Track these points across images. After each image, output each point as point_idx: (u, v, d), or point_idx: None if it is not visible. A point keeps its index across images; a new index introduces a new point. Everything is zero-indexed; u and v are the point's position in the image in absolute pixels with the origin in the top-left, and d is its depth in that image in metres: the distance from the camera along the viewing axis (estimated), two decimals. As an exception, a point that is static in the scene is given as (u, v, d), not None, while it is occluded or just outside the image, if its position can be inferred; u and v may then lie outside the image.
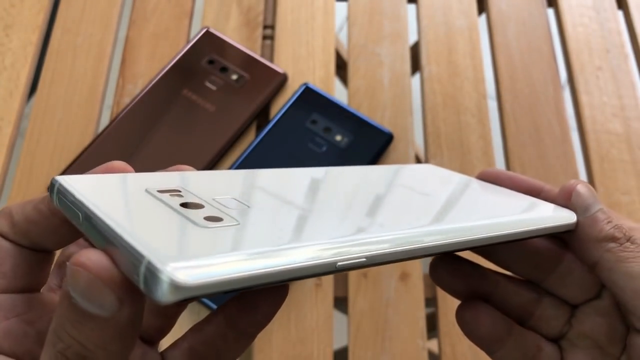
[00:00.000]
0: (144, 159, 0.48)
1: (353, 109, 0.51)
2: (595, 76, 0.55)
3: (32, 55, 0.53)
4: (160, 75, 0.51)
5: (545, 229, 0.23)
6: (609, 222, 0.24)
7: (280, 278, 0.15)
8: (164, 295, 0.14)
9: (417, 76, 0.56)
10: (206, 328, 0.23)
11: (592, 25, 0.58)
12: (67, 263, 0.16)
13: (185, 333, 0.23)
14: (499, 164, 0.51)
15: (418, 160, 0.53)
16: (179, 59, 0.52)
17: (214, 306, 0.42)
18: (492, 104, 0.53)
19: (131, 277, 0.15)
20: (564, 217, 0.24)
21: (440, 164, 0.50)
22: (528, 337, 0.27)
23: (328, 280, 0.45)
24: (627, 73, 0.55)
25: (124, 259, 0.15)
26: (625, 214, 0.48)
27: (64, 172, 0.47)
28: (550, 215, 0.24)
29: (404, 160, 0.50)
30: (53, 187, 0.19)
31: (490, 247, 0.25)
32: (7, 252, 0.21)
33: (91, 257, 0.16)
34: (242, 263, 0.15)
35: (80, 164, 0.47)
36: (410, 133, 0.51)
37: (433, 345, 0.47)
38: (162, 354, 0.24)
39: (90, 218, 0.17)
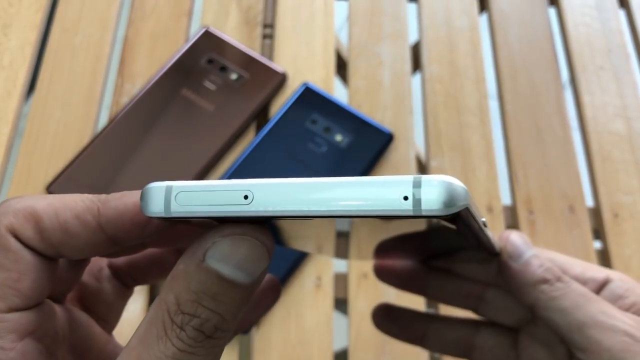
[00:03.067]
0: (143, 159, 0.47)
1: (353, 108, 0.51)
2: (597, 76, 0.55)
3: (31, 54, 0.52)
4: (159, 74, 0.51)
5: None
6: (540, 266, 0.27)
7: None
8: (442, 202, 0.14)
9: (418, 76, 0.55)
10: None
11: (594, 25, 0.57)
12: (224, 234, 0.17)
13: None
14: (500, 165, 0.50)
15: (419, 161, 0.52)
16: (178, 59, 0.52)
17: None
18: (494, 104, 0.52)
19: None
20: None
21: (441, 164, 0.50)
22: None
23: (328, 282, 0.45)
24: (629, 73, 0.55)
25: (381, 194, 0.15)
26: (627, 215, 0.48)
27: (63, 172, 0.46)
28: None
29: (404, 161, 0.50)
30: (170, 192, 0.17)
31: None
32: (28, 266, 0.18)
33: (259, 230, 0.17)
34: None
35: (79, 164, 0.47)
36: (410, 133, 0.51)
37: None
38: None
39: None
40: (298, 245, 0.28)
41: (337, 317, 0.44)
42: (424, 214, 0.14)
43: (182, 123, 0.49)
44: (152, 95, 0.50)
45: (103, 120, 0.50)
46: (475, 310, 0.31)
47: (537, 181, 0.50)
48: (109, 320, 0.23)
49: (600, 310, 0.25)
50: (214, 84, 0.51)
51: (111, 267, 0.23)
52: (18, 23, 0.54)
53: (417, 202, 0.14)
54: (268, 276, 0.24)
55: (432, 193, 0.14)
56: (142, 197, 0.17)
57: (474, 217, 0.17)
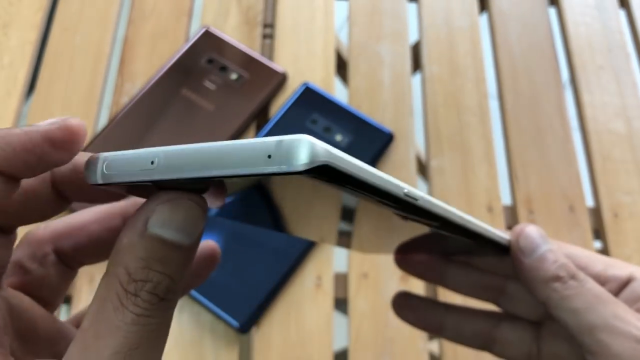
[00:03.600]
0: (143, 159, 0.47)
1: (353, 108, 0.51)
2: (597, 76, 0.55)
3: (31, 54, 0.52)
4: (160, 74, 0.51)
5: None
6: (554, 262, 0.26)
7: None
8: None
9: (418, 76, 0.55)
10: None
11: (594, 25, 0.57)
12: (162, 200, 0.18)
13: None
14: (501, 164, 0.50)
15: (419, 160, 0.52)
16: (178, 58, 0.52)
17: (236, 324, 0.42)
18: (494, 104, 0.52)
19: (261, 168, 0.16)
20: None
21: (442, 164, 0.50)
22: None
23: (328, 281, 0.45)
24: (629, 72, 0.55)
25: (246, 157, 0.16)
26: (627, 215, 0.48)
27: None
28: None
29: (404, 160, 0.50)
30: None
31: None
32: None
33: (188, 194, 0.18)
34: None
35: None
36: (410, 133, 0.51)
37: (434, 346, 0.46)
38: None
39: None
40: (301, 230, 0.27)
41: (337, 316, 0.44)
42: (284, 170, 0.15)
43: (182, 123, 0.49)
44: (152, 95, 0.50)
45: (103, 120, 0.50)
46: (495, 302, 0.30)
47: (537, 181, 0.50)
48: (53, 302, 0.23)
49: (614, 313, 0.24)
50: (214, 84, 0.51)
51: (57, 252, 0.23)
52: (18, 22, 0.54)
53: (279, 160, 0.15)
54: (206, 242, 0.25)
55: (293, 151, 0.16)
56: (85, 168, 0.18)
57: (357, 180, 0.17)
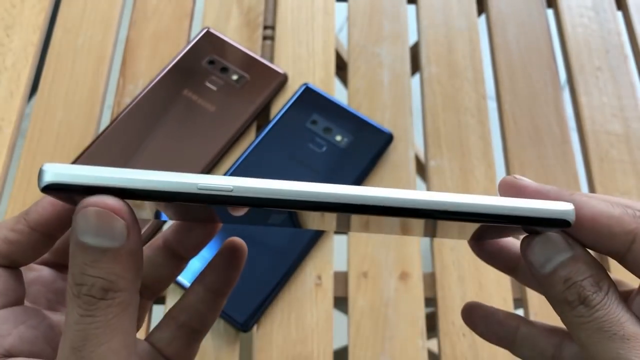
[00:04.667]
0: (145, 159, 0.48)
1: (353, 109, 0.51)
2: (595, 77, 0.55)
3: (33, 55, 0.53)
4: (161, 75, 0.52)
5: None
6: (565, 281, 0.22)
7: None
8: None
9: (417, 77, 0.56)
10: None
11: (592, 26, 0.58)
12: (76, 212, 0.20)
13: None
14: (499, 165, 0.51)
15: (418, 161, 0.53)
16: (180, 59, 0.52)
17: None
18: (492, 105, 0.53)
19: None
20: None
21: (440, 165, 0.50)
22: None
23: (328, 280, 0.45)
24: (627, 73, 0.55)
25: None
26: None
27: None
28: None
29: (404, 161, 0.50)
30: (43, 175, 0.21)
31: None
32: None
33: (97, 198, 0.20)
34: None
35: (81, 164, 0.47)
36: (410, 133, 0.51)
37: (433, 345, 0.47)
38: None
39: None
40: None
41: (337, 315, 0.45)
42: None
43: (183, 123, 0.50)
44: (153, 96, 0.51)
45: (105, 121, 0.51)
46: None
47: (535, 181, 0.50)
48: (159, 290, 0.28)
49: (617, 354, 0.21)
50: (215, 85, 0.51)
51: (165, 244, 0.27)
52: (20, 24, 0.54)
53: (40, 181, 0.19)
54: (229, 240, 0.27)
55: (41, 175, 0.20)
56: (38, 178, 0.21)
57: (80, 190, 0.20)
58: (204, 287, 0.27)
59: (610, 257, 0.23)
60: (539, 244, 0.22)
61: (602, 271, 0.22)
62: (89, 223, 0.19)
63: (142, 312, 0.28)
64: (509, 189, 0.24)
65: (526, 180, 0.24)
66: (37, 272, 0.26)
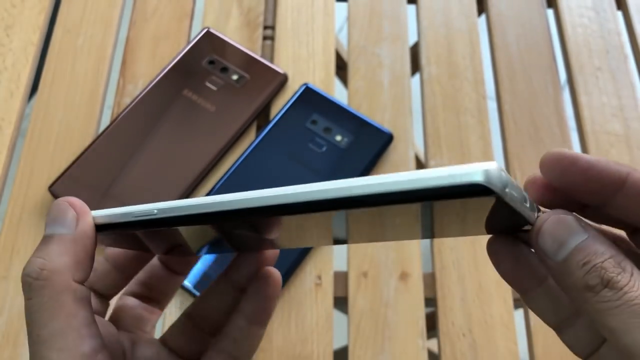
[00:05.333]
0: (145, 160, 0.48)
1: (353, 109, 0.51)
2: (595, 77, 0.55)
3: (33, 55, 0.53)
4: (161, 75, 0.52)
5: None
6: (584, 264, 0.20)
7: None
8: None
9: (417, 77, 0.56)
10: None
11: (592, 26, 0.58)
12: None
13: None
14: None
15: (418, 161, 0.53)
16: (180, 60, 0.53)
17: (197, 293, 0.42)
18: (492, 105, 0.53)
19: None
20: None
21: (440, 164, 0.50)
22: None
23: (328, 280, 0.45)
24: (627, 73, 0.55)
25: None
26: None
27: (65, 173, 0.47)
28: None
29: (404, 161, 0.50)
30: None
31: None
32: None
33: (72, 198, 0.24)
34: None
35: (81, 165, 0.47)
36: (410, 133, 0.51)
37: (433, 345, 0.47)
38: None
39: None
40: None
41: (337, 315, 0.45)
42: None
43: (183, 123, 0.50)
44: (153, 96, 0.51)
45: (105, 121, 0.51)
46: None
47: (535, 181, 0.50)
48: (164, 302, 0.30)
49: None
50: (215, 85, 0.51)
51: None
52: (20, 24, 0.54)
53: None
54: (268, 270, 0.28)
55: None
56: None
57: None
58: (244, 318, 0.27)
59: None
60: (549, 229, 0.20)
61: (620, 252, 0.20)
62: (50, 214, 0.23)
63: (152, 317, 0.29)
64: (554, 166, 0.21)
65: (576, 153, 0.21)
66: (122, 301, 0.29)
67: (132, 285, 0.29)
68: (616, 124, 0.53)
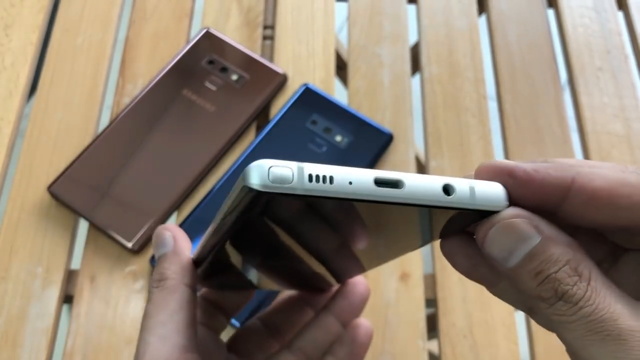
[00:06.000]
0: (144, 160, 0.48)
1: (353, 109, 0.51)
2: (596, 77, 0.55)
3: (32, 55, 0.53)
4: (160, 75, 0.51)
5: None
6: (536, 274, 0.18)
7: None
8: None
9: (418, 77, 0.56)
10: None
11: (593, 26, 0.58)
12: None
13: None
14: (499, 165, 0.51)
15: (418, 161, 0.53)
16: (179, 59, 0.52)
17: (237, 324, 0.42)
18: (493, 105, 0.53)
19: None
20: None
21: (441, 165, 0.50)
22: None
23: (328, 281, 0.45)
24: (628, 74, 0.55)
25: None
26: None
27: (64, 173, 0.47)
28: None
29: (404, 161, 0.50)
30: None
31: None
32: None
33: (167, 224, 0.30)
34: None
35: (80, 165, 0.47)
36: (410, 133, 0.51)
37: (433, 346, 0.47)
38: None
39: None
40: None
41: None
42: None
43: (182, 123, 0.50)
44: (153, 96, 0.51)
45: (104, 121, 0.51)
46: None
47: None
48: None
49: (613, 358, 0.17)
50: (214, 85, 0.51)
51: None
52: (20, 23, 0.54)
53: None
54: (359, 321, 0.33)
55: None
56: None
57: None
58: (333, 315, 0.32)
59: (619, 233, 0.20)
60: (495, 238, 0.19)
61: (579, 252, 0.18)
62: (154, 242, 0.28)
63: (218, 324, 0.32)
64: (495, 176, 0.19)
65: (511, 165, 0.19)
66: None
67: (267, 311, 0.34)
68: (617, 125, 0.53)
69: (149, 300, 0.26)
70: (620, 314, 0.17)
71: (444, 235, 0.22)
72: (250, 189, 0.16)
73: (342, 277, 0.31)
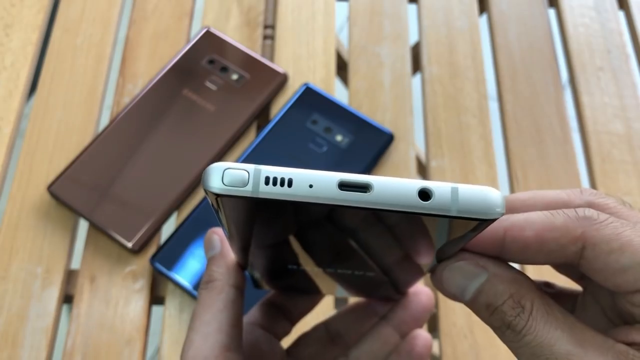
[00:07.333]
0: (144, 159, 0.48)
1: (354, 109, 0.51)
2: (597, 77, 0.55)
3: (32, 55, 0.53)
4: (161, 75, 0.51)
5: None
6: (487, 307, 0.20)
7: None
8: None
9: (418, 76, 0.56)
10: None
11: (593, 26, 0.58)
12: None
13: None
14: (500, 165, 0.51)
15: (419, 161, 0.53)
16: (179, 59, 0.52)
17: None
18: (493, 105, 0.52)
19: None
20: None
21: (441, 165, 0.50)
22: None
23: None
24: (628, 73, 0.55)
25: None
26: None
27: (64, 172, 0.47)
28: None
29: (404, 161, 0.50)
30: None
31: None
32: None
33: (216, 228, 0.28)
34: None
35: (80, 164, 0.47)
36: (410, 133, 0.51)
37: (434, 346, 0.47)
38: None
39: None
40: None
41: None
42: None
43: (183, 123, 0.49)
44: (153, 96, 0.50)
45: (104, 121, 0.51)
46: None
47: (537, 182, 0.50)
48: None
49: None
50: (214, 84, 0.51)
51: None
52: (20, 23, 0.54)
53: None
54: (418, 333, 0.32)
55: None
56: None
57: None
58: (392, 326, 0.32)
59: (566, 266, 0.22)
60: (448, 278, 0.21)
61: (524, 285, 0.20)
62: (205, 245, 0.28)
63: (280, 328, 0.32)
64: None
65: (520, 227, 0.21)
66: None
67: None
68: (618, 124, 0.53)
69: (197, 301, 0.27)
70: (557, 339, 0.19)
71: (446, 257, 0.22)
72: (207, 192, 0.17)
73: (400, 286, 0.30)
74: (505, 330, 0.20)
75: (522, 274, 0.21)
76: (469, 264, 0.21)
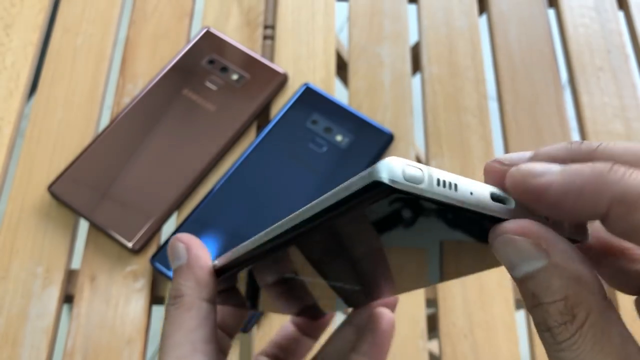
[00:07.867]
0: (144, 159, 0.48)
1: (354, 109, 0.51)
2: (596, 77, 0.55)
3: (32, 55, 0.53)
4: (161, 75, 0.51)
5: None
6: (532, 296, 0.17)
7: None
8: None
9: (418, 76, 0.56)
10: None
11: (593, 26, 0.58)
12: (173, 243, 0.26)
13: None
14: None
15: (419, 161, 0.53)
16: (179, 59, 0.52)
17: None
18: (493, 105, 0.52)
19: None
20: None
21: (441, 165, 0.50)
22: None
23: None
24: (628, 74, 0.55)
25: None
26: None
27: (64, 172, 0.47)
28: None
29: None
30: None
31: None
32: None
33: (181, 234, 0.26)
34: None
35: (81, 164, 0.47)
36: (410, 133, 0.51)
37: (433, 346, 0.47)
38: None
39: None
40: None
41: (337, 315, 0.44)
42: None
43: (183, 123, 0.50)
44: (153, 96, 0.50)
45: (104, 121, 0.51)
46: None
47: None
48: None
49: None
50: (215, 85, 0.51)
51: None
52: (20, 23, 0.54)
53: None
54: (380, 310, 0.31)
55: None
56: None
57: None
58: (362, 355, 0.30)
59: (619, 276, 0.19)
60: (499, 249, 0.17)
61: (586, 289, 0.16)
62: (169, 254, 0.26)
63: (225, 344, 0.30)
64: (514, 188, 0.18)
65: (543, 184, 0.17)
66: None
67: (267, 346, 0.32)
68: (618, 124, 0.53)
69: (165, 318, 0.25)
70: None
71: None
72: (382, 184, 0.16)
73: (375, 295, 0.30)
74: (544, 331, 0.17)
75: (591, 271, 0.17)
76: (527, 242, 0.17)
